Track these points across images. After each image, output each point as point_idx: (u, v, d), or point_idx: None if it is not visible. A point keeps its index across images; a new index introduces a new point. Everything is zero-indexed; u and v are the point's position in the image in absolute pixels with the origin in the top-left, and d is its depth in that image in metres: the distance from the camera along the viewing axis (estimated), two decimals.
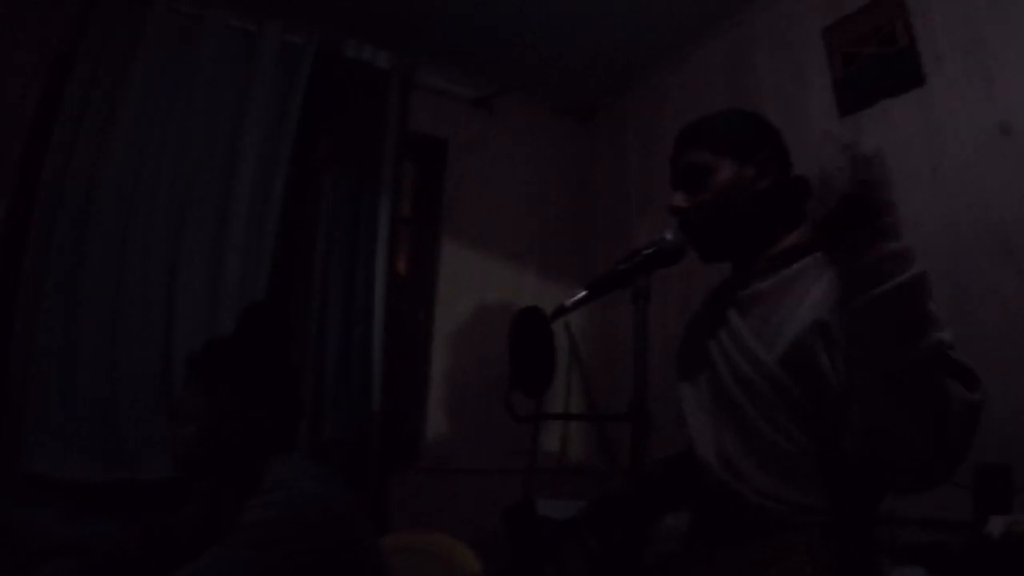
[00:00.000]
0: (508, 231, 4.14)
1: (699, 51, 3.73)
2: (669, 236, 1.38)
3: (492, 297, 3.96)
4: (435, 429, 3.64)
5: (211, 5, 3.17)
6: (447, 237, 3.91)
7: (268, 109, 3.24)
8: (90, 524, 2.52)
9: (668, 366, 1.71)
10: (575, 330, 4.01)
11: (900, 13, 2.67)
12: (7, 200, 2.76)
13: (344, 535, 1.64)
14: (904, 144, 2.62)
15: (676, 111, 3.81)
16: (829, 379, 1.27)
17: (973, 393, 1.10)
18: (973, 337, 2.24)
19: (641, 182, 4.05)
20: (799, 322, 1.31)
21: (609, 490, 1.67)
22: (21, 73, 2.87)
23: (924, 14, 2.62)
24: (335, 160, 3.35)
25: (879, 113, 2.73)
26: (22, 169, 2.79)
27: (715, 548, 1.38)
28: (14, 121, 2.83)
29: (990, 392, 2.13)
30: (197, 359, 1.80)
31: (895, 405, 1.08)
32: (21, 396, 2.56)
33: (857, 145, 1.07)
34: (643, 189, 4.01)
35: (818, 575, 1.22)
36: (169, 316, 2.88)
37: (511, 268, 4.09)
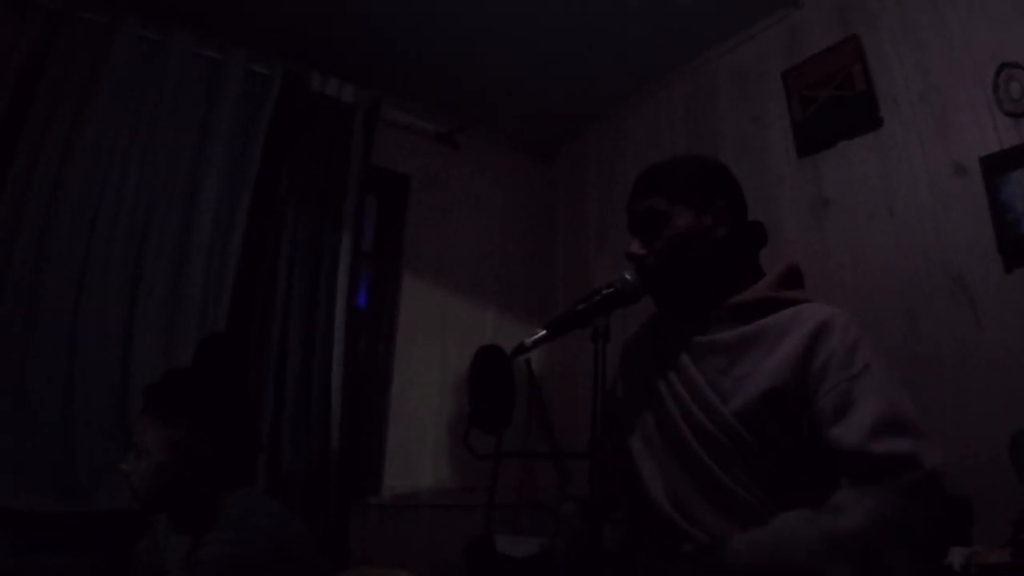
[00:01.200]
0: (469, 267, 4.14)
1: (660, 92, 3.79)
2: (628, 276, 1.39)
3: (452, 333, 3.95)
4: (394, 464, 3.60)
5: (177, 31, 3.15)
6: (408, 272, 3.89)
7: (231, 138, 3.22)
8: (42, 556, 2.46)
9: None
10: (535, 367, 4.01)
11: (858, 58, 2.72)
12: None
13: (301, 571, 1.62)
14: (861, 185, 2.67)
15: (637, 151, 3.86)
16: (783, 438, 1.30)
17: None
18: (929, 374, 2.28)
19: (601, 221, 4.08)
20: (758, 382, 1.33)
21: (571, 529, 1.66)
22: None
23: (881, 59, 2.68)
24: (297, 192, 3.32)
25: (837, 154, 2.79)
26: None
27: None
28: None
29: (947, 427, 2.17)
30: (154, 391, 1.78)
31: None
32: None
33: None
34: (603, 228, 4.04)
35: None
36: (127, 346, 2.82)
37: (471, 304, 4.09)
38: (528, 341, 1.37)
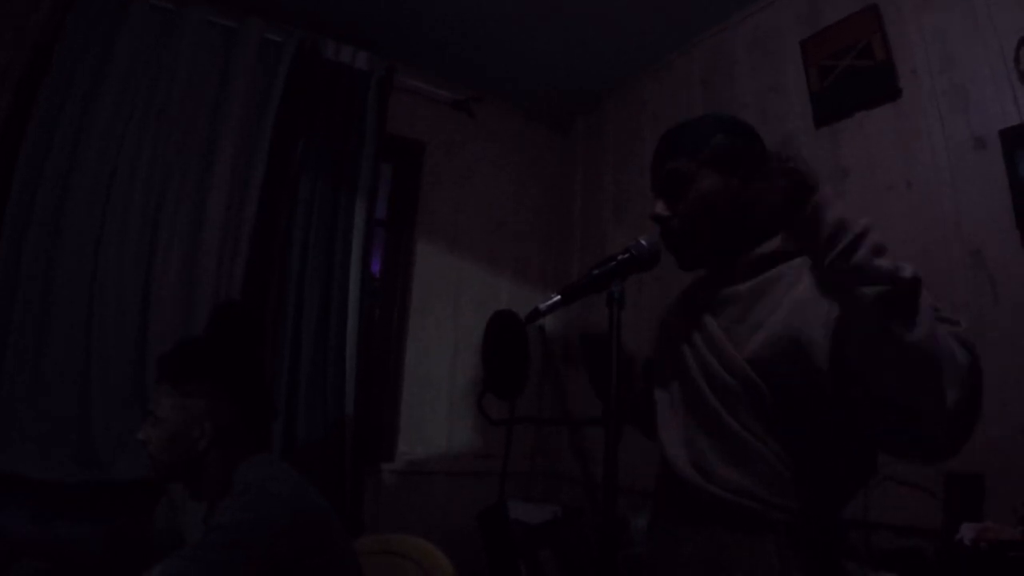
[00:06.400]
0: (484, 235, 4.16)
1: (678, 61, 3.76)
2: (644, 242, 1.38)
3: (466, 300, 3.96)
4: (408, 431, 3.63)
5: (191, 1, 3.15)
6: (422, 239, 3.90)
7: (246, 107, 3.23)
8: (61, 524, 2.49)
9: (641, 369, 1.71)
10: (549, 334, 4.02)
11: (877, 28, 2.69)
12: None
13: (315, 538, 1.63)
14: (879, 157, 2.65)
15: (654, 120, 3.84)
16: (797, 386, 1.27)
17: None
18: None
19: (617, 189, 4.06)
20: (772, 327, 1.31)
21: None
22: None
23: (900, 29, 2.65)
24: (311, 160, 3.33)
25: (855, 125, 2.76)
26: None
27: (681, 545, 1.38)
28: None
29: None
30: (168, 359, 1.79)
31: (904, 377, 1.09)
32: None
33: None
34: (619, 195, 4.03)
35: (785, 573, 1.22)
36: (143, 316, 2.85)
37: (486, 271, 4.10)
38: (542, 306, 1.36)
